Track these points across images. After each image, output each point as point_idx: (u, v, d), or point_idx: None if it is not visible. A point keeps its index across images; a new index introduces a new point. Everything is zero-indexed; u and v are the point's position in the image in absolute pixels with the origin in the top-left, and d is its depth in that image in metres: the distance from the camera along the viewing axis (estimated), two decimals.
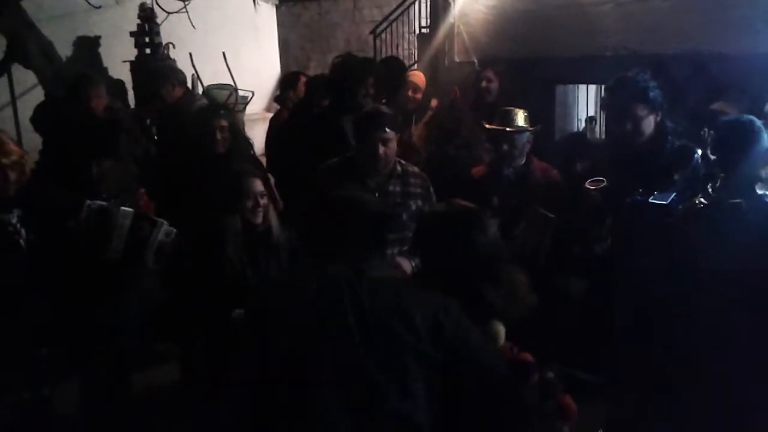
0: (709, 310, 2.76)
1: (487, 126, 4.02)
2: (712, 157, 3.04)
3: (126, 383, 3.72)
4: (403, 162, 3.60)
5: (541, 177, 3.93)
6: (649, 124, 3.32)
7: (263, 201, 3.30)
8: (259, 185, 3.32)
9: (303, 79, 5.88)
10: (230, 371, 2.16)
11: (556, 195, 3.80)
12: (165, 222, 3.43)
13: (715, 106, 4.34)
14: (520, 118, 3.93)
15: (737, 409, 2.76)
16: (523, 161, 3.95)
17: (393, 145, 3.44)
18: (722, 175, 2.97)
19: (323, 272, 2.09)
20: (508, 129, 3.89)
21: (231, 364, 2.19)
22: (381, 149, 3.37)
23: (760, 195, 2.87)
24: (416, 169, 3.66)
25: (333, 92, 4.73)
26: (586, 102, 7.62)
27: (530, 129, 3.94)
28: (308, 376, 1.94)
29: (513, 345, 2.27)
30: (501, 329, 2.32)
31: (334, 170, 3.54)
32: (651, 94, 3.30)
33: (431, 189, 3.62)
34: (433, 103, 5.26)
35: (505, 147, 3.89)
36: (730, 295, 2.69)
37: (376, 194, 3.37)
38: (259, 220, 3.29)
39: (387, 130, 3.39)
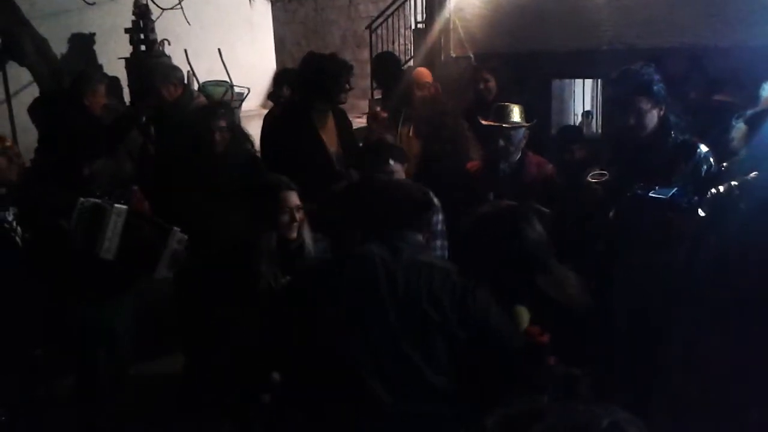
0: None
1: (483, 122, 4.00)
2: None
3: (121, 384, 3.70)
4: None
5: (536, 172, 3.92)
6: (652, 117, 3.30)
7: (299, 215, 3.11)
8: (295, 198, 3.11)
9: None
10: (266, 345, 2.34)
11: (550, 190, 3.80)
12: (178, 229, 3.38)
13: (718, 96, 4.34)
14: (516, 113, 3.91)
15: (739, 405, 2.75)
16: (519, 156, 3.94)
17: (398, 176, 3.42)
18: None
19: (360, 251, 2.28)
20: (504, 125, 3.87)
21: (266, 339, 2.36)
22: None
23: None
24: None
25: (306, 88, 4.64)
26: (582, 96, 7.63)
27: (526, 125, 3.93)
28: (348, 351, 2.12)
29: (544, 331, 2.33)
30: (524, 312, 2.41)
31: (339, 201, 3.55)
32: (655, 87, 3.27)
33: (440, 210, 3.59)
34: None
35: (501, 143, 3.87)
36: None
37: None
38: (294, 235, 3.11)
39: (391, 162, 3.41)
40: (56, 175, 3.34)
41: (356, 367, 2.11)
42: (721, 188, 2.92)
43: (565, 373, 2.28)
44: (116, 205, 3.26)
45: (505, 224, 2.53)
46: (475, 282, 2.24)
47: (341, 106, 4.60)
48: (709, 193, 2.94)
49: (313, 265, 2.83)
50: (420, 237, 2.38)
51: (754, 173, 2.88)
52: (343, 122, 4.56)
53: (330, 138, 4.43)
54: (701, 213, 2.97)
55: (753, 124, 3.20)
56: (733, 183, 2.90)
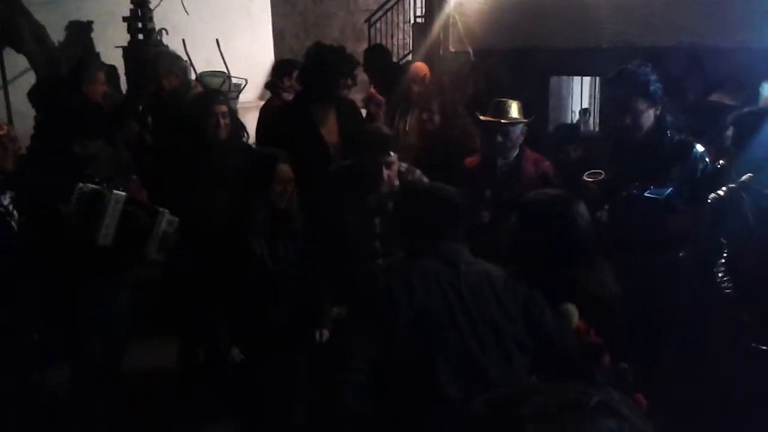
0: None
1: (481, 117, 4.00)
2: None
3: (117, 369, 3.70)
4: (403, 170, 3.57)
5: (533, 168, 3.91)
6: (648, 118, 3.30)
7: (290, 188, 3.46)
8: (288, 171, 3.47)
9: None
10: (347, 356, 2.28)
11: (548, 186, 3.79)
12: (166, 211, 3.39)
13: (713, 97, 4.33)
14: (514, 109, 3.91)
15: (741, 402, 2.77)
16: (516, 152, 3.94)
17: (395, 167, 3.45)
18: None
19: (421, 267, 2.28)
20: (502, 120, 3.87)
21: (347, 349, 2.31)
22: (385, 173, 3.38)
23: None
24: (417, 175, 3.62)
25: (306, 80, 4.65)
26: (580, 94, 7.62)
27: (524, 120, 3.93)
28: (425, 361, 2.13)
29: (590, 328, 2.35)
30: (574, 310, 2.40)
31: (340, 177, 3.59)
32: (651, 87, 3.27)
33: None
34: None
35: (499, 138, 3.87)
36: None
37: (377, 214, 3.45)
38: (284, 204, 3.46)
39: (391, 153, 3.41)
40: (54, 160, 3.32)
41: (429, 367, 2.13)
42: (722, 192, 2.92)
43: (617, 368, 2.31)
44: (115, 192, 3.25)
45: (557, 213, 2.48)
46: (530, 285, 2.28)
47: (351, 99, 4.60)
48: (710, 196, 2.95)
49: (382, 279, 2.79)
50: (466, 247, 2.37)
51: (748, 174, 2.89)
52: (348, 117, 4.53)
53: (331, 132, 4.42)
54: (704, 215, 2.98)
55: (739, 125, 3.21)
56: (731, 186, 2.91)
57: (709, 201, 2.98)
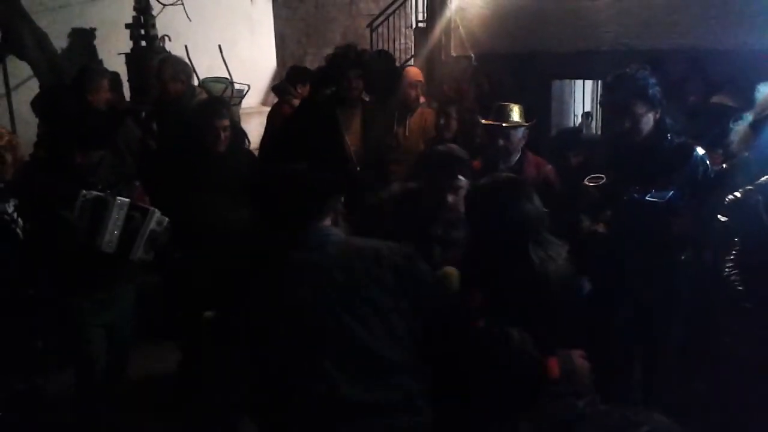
0: None
1: (483, 121, 4.01)
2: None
3: (121, 376, 3.71)
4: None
5: (535, 172, 3.91)
6: (648, 121, 3.30)
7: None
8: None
9: None
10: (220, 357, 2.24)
11: (548, 191, 3.79)
12: (157, 210, 3.39)
13: (715, 99, 4.34)
14: (516, 113, 3.92)
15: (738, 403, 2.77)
16: (518, 156, 3.94)
17: (463, 192, 3.07)
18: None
19: (289, 258, 2.19)
20: (504, 124, 3.88)
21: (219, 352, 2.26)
22: (451, 198, 3.09)
23: None
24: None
25: (319, 83, 4.71)
26: (582, 97, 7.62)
27: (526, 124, 3.94)
28: (309, 359, 2.04)
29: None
30: (453, 272, 2.49)
31: (395, 204, 3.37)
32: (650, 91, 3.27)
33: None
34: (421, 99, 5.23)
35: (501, 142, 3.88)
36: None
37: (440, 244, 3.11)
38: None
39: (460, 177, 3.12)
40: (57, 167, 3.33)
41: (315, 364, 2.04)
42: (738, 193, 2.92)
43: (498, 331, 2.25)
44: (119, 198, 3.26)
45: (507, 195, 2.58)
46: (410, 252, 2.22)
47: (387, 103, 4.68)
48: (727, 198, 2.94)
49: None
50: (329, 223, 2.27)
51: (766, 177, 2.89)
52: (372, 122, 4.52)
53: (352, 135, 4.41)
54: (721, 218, 2.98)
55: (757, 127, 3.22)
56: (748, 188, 2.91)
57: (725, 202, 2.98)
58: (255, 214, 2.83)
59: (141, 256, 3.36)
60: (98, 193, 3.25)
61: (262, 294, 2.15)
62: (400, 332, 2.11)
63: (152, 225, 3.36)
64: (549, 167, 3.97)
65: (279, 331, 2.08)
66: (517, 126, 3.90)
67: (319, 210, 2.24)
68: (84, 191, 3.21)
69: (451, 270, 2.44)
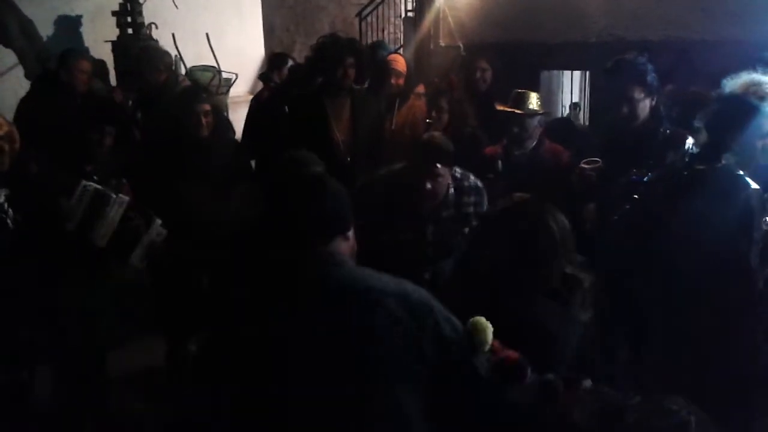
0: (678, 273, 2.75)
1: (499, 108, 4.05)
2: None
3: (101, 367, 3.69)
4: (458, 176, 3.44)
5: (550, 160, 3.95)
6: (644, 107, 3.35)
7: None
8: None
9: (290, 62, 5.87)
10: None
11: (564, 178, 3.68)
12: (158, 220, 3.43)
13: (693, 88, 4.36)
14: (533, 101, 3.97)
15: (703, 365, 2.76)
16: (534, 144, 3.99)
17: (443, 179, 3.28)
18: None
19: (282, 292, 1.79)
20: (518, 111, 3.93)
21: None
22: (428, 185, 3.24)
23: (725, 164, 2.82)
24: (471, 180, 3.49)
25: (311, 72, 4.68)
26: (570, 88, 7.64)
27: (541, 112, 4.02)
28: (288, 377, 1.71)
29: (504, 346, 1.89)
30: (485, 324, 1.87)
31: (380, 191, 3.38)
32: (648, 77, 3.32)
33: (485, 195, 3.50)
34: (420, 88, 5.19)
35: (516, 129, 3.94)
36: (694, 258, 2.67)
37: (430, 224, 3.34)
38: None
39: (438, 166, 3.23)
40: (50, 158, 3.33)
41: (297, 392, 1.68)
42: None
43: (542, 381, 1.85)
44: (120, 195, 3.29)
45: (529, 219, 2.27)
46: (431, 301, 1.79)
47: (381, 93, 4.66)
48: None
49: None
50: (338, 246, 1.87)
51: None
52: (362, 111, 4.51)
53: (342, 125, 4.41)
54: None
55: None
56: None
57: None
58: (256, 214, 2.72)
59: (138, 264, 3.41)
60: (98, 187, 3.27)
61: (246, 332, 1.76)
62: (408, 412, 1.69)
63: (153, 236, 3.40)
64: (566, 154, 3.96)
65: (256, 381, 1.71)
66: (532, 114, 3.95)
67: (327, 230, 1.84)
68: (84, 182, 3.23)
69: (483, 322, 1.85)
